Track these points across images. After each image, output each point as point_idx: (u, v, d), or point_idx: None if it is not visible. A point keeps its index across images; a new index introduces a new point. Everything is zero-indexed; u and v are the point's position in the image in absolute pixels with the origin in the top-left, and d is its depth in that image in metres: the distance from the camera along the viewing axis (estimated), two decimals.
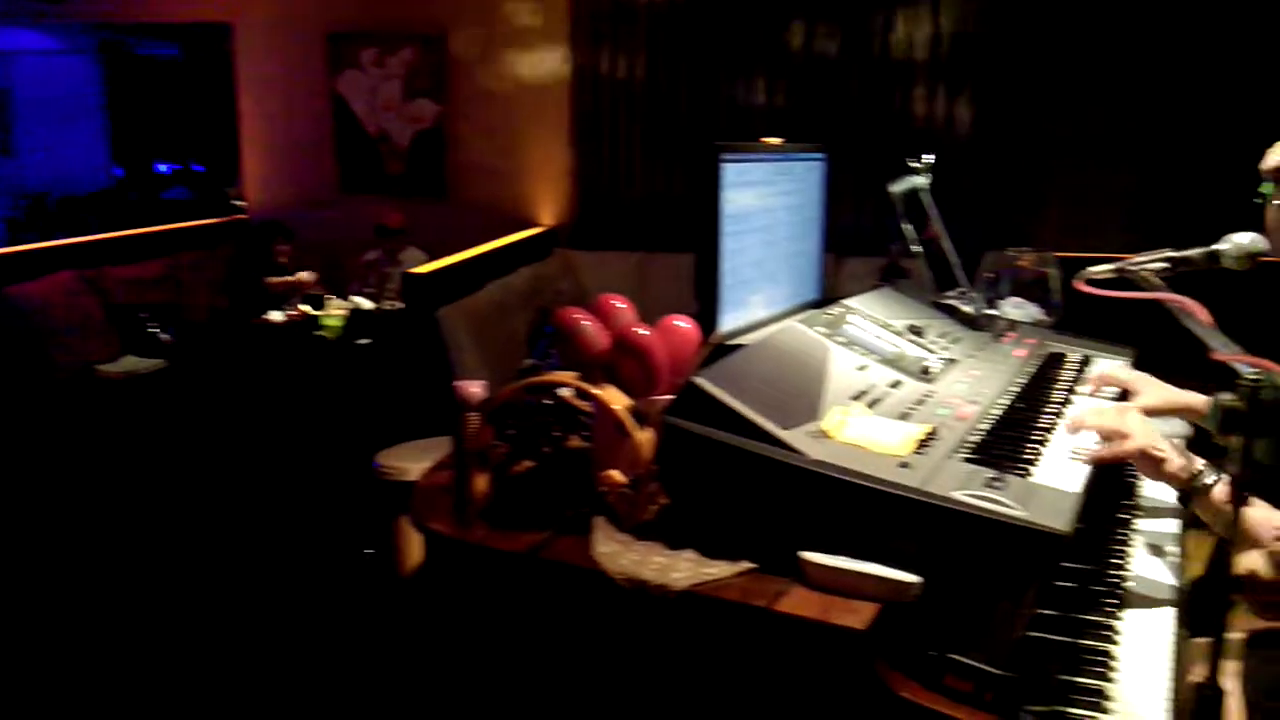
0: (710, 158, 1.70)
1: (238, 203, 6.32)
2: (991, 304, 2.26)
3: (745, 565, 1.30)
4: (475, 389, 1.58)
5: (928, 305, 2.14)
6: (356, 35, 5.56)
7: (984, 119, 4.62)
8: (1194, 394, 1.69)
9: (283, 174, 5.92)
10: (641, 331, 1.48)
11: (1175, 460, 1.38)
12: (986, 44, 4.56)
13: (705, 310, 1.74)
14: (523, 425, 1.53)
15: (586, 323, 1.52)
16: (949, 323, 2.08)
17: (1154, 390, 1.74)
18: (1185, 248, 1.61)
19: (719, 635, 1.24)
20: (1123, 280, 1.56)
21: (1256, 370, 1.08)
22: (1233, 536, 1.08)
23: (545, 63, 5.27)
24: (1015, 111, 4.56)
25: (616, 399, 1.42)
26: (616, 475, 1.42)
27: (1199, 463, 1.37)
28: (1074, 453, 1.45)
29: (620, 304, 1.59)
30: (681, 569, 1.29)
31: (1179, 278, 1.55)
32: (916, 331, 1.93)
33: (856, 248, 4.40)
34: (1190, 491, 1.36)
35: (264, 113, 5.91)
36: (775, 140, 1.99)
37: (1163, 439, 1.40)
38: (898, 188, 2.33)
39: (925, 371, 1.74)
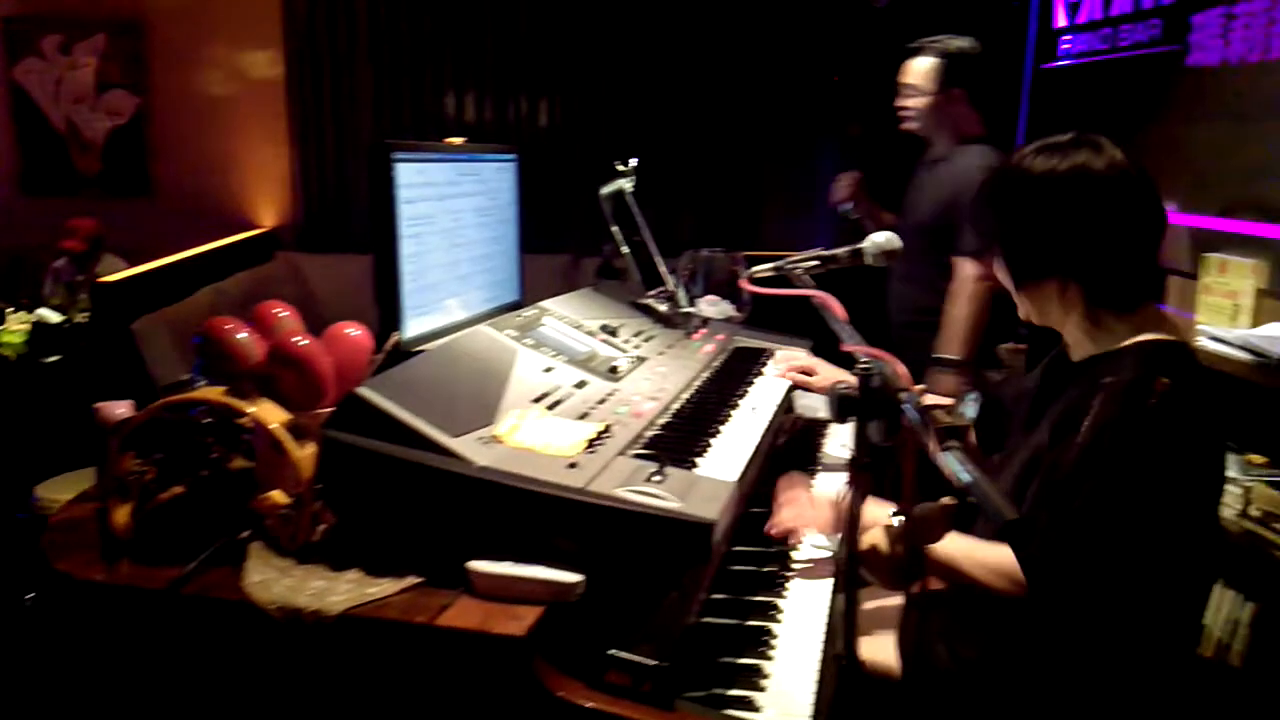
0: (382, 158, 1.64)
1: None
2: (690, 302, 2.34)
3: (411, 580, 1.25)
4: (119, 409, 1.44)
5: (626, 304, 2.19)
6: (35, 19, 4.97)
7: (702, 126, 4.86)
8: None
9: None
10: (300, 341, 1.40)
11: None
12: (693, 56, 4.80)
13: (385, 315, 1.67)
14: (176, 448, 1.41)
15: (241, 334, 1.42)
16: (645, 321, 2.13)
17: (828, 373, 1.95)
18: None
19: (380, 657, 1.19)
20: (781, 278, 1.65)
21: (869, 359, 1.17)
22: (856, 516, 1.16)
23: (258, 54, 4.95)
24: (728, 120, 4.84)
25: (271, 415, 1.32)
26: (276, 496, 1.32)
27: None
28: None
29: (282, 312, 1.50)
30: (340, 591, 1.22)
31: (830, 275, 1.66)
32: (610, 331, 1.95)
33: (592, 248, 4.49)
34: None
35: None
36: (457, 140, 1.95)
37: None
38: (606, 190, 2.40)
39: (613, 370, 1.76)
